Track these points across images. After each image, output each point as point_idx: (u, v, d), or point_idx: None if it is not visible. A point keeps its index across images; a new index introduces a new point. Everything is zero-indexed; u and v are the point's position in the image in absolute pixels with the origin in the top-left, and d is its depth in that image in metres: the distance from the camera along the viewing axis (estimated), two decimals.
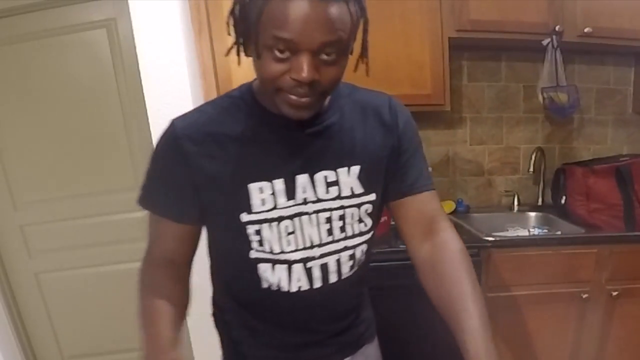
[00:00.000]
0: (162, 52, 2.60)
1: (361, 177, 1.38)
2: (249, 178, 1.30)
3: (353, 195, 1.38)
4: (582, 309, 2.95)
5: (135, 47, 2.63)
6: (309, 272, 1.39)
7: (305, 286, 1.41)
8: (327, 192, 1.36)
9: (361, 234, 1.44)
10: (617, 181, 3.06)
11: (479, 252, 2.82)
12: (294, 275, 1.39)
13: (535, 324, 2.98)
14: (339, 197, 1.37)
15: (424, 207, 1.45)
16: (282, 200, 1.32)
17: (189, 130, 1.30)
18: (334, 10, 1.05)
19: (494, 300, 2.89)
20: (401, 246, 2.41)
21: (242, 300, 1.53)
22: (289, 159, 1.32)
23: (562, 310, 2.96)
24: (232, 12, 1.18)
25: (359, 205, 1.40)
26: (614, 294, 2.90)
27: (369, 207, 1.42)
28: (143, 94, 2.65)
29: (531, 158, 3.56)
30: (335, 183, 1.36)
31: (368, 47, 1.28)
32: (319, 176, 1.34)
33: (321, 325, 1.54)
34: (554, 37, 3.09)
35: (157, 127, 2.64)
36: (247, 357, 1.58)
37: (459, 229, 2.87)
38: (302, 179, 1.33)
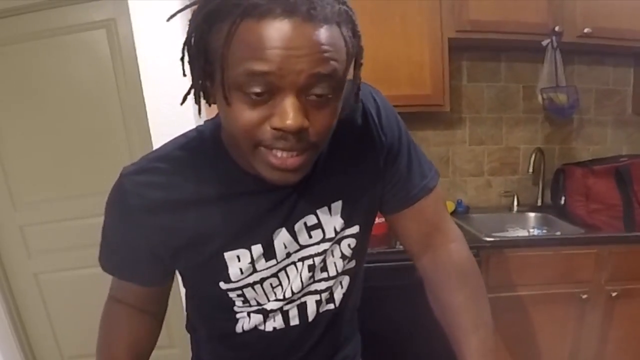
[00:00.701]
0: (162, 52, 2.60)
1: (343, 213, 1.18)
2: (223, 247, 1.11)
3: (337, 234, 1.19)
4: (581, 309, 2.95)
5: (135, 47, 2.63)
6: (285, 314, 1.25)
7: (280, 325, 1.26)
8: (310, 236, 1.17)
9: (343, 269, 1.25)
10: (616, 182, 3.06)
11: (478, 252, 2.80)
12: (269, 318, 1.25)
13: (535, 325, 2.98)
14: (323, 240, 1.18)
15: (419, 217, 1.27)
16: (261, 263, 1.14)
17: (142, 199, 1.07)
18: (324, 33, 0.81)
19: (494, 301, 2.85)
20: (399, 247, 2.41)
21: (215, 332, 1.37)
22: (265, 219, 1.12)
23: (561, 310, 2.95)
24: (186, 44, 0.96)
25: (339, 241, 1.21)
26: (614, 294, 2.90)
27: (351, 242, 1.23)
28: (143, 94, 2.65)
29: (531, 158, 3.56)
30: (318, 226, 1.17)
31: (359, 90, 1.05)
32: (299, 225, 1.15)
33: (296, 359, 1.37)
34: (553, 37, 3.09)
35: (157, 127, 2.64)
36: None
37: None
38: (281, 236, 1.14)
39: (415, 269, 1.35)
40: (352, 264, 1.28)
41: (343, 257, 1.23)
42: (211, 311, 1.33)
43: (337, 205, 1.17)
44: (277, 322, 1.26)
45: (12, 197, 3.41)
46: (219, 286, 1.16)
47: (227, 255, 1.11)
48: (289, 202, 1.12)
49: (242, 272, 1.13)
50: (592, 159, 3.51)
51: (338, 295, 1.29)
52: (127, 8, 2.62)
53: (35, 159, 3.34)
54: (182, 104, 1.04)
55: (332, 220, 1.17)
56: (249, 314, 1.24)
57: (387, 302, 2.24)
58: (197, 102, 0.99)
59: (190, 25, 0.92)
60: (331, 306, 1.30)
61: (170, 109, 2.56)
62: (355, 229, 1.21)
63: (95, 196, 3.33)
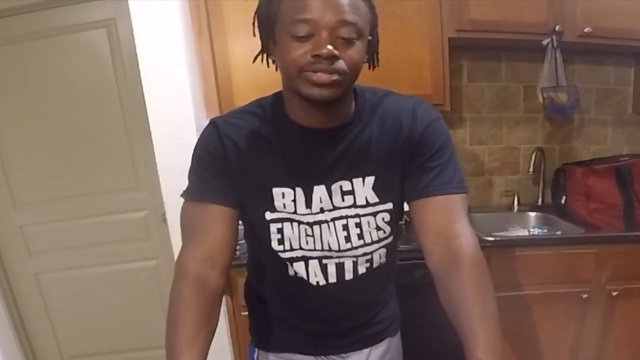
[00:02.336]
0: (162, 52, 2.60)
1: (376, 188, 1.41)
2: (273, 183, 1.38)
3: (368, 205, 1.41)
4: (582, 309, 2.95)
5: (135, 47, 2.63)
6: (324, 268, 1.46)
7: (321, 281, 1.48)
8: (343, 200, 1.40)
9: (379, 240, 1.47)
10: (617, 181, 3.06)
11: None
12: (311, 269, 1.47)
13: (536, 324, 2.98)
14: (354, 206, 1.41)
15: (439, 209, 1.39)
16: (301, 207, 1.39)
17: (229, 130, 1.38)
18: None
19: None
20: (402, 246, 2.41)
21: (272, 285, 1.61)
22: (309, 170, 1.38)
23: (562, 310, 2.95)
24: (257, 12, 1.28)
25: (374, 214, 1.43)
26: (614, 294, 2.90)
27: (385, 216, 1.44)
28: (143, 93, 2.64)
29: (531, 158, 3.55)
30: (351, 192, 1.40)
31: (378, 44, 1.37)
32: (335, 187, 1.39)
33: (339, 319, 1.60)
34: (553, 37, 3.09)
35: (157, 127, 2.63)
36: (273, 335, 1.65)
37: None
38: (319, 190, 1.39)
39: (419, 268, 1.45)
40: (390, 239, 1.51)
41: (378, 228, 1.45)
42: (263, 257, 1.55)
43: (370, 180, 1.40)
44: (318, 276, 1.48)
45: (12, 197, 3.42)
46: (265, 217, 1.41)
47: (275, 190, 1.39)
48: (331, 164, 1.38)
49: (284, 207, 1.39)
50: (593, 159, 3.52)
51: (376, 264, 1.51)
52: (127, 8, 2.61)
53: (36, 159, 3.35)
54: (253, 61, 1.37)
55: (364, 190, 1.41)
56: (291, 262, 1.46)
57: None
58: (268, 56, 1.34)
59: (257, 11, 1.28)
60: (368, 271, 1.51)
61: (170, 109, 2.55)
62: (388, 206, 1.44)
63: (95, 196, 3.38)
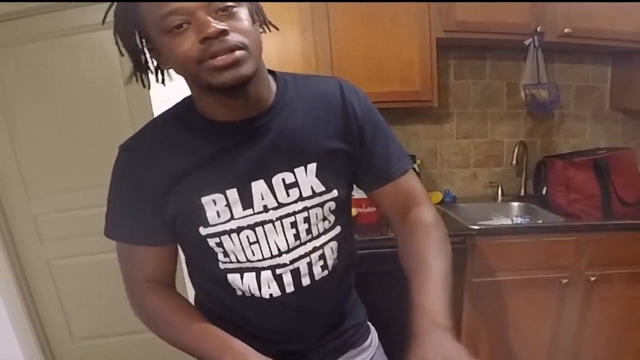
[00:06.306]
0: None
1: (319, 175, 1.26)
2: (201, 192, 1.19)
3: (315, 195, 1.26)
4: (562, 293, 2.96)
5: None
6: (278, 278, 1.28)
7: (276, 292, 1.29)
8: (288, 195, 1.24)
9: (325, 231, 1.32)
10: (594, 173, 3.06)
11: (464, 240, 2.83)
12: (263, 282, 1.28)
13: (518, 308, 2.99)
14: (300, 199, 1.25)
15: (397, 190, 1.37)
16: (238, 210, 1.21)
17: (132, 153, 1.23)
18: None
19: (479, 286, 2.90)
20: (391, 234, 2.41)
21: (221, 305, 1.39)
22: (240, 166, 1.20)
23: (543, 294, 2.96)
24: (116, 31, 1.11)
25: (321, 205, 1.28)
26: (592, 279, 2.91)
27: (332, 205, 1.30)
28: (148, 90, 2.64)
29: (514, 151, 3.55)
30: (295, 184, 1.24)
31: (260, 7, 1.19)
32: (276, 180, 1.22)
33: (300, 332, 1.41)
34: (535, 37, 3.09)
35: None
36: None
37: (445, 218, 2.89)
38: (258, 186, 1.21)
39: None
40: (337, 229, 1.36)
41: (324, 219, 1.30)
42: (208, 278, 1.37)
43: (312, 167, 1.25)
44: (272, 288, 1.29)
45: (25, 188, 3.42)
46: (200, 233, 1.21)
47: (204, 199, 1.18)
48: (263, 154, 1.20)
49: (218, 216, 1.20)
50: (572, 152, 3.51)
51: (330, 261, 1.35)
52: None
53: (48, 153, 3.36)
54: (126, 84, 1.23)
55: (308, 180, 1.25)
56: (241, 274, 1.28)
57: (378, 287, 2.24)
58: (160, 69, 1.19)
59: (115, 29, 1.11)
60: (325, 273, 1.34)
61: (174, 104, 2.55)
62: (334, 194, 1.28)
63: (104, 187, 3.36)
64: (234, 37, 1.01)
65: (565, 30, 3.04)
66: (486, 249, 2.87)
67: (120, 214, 1.28)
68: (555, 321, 3.03)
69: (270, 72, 1.29)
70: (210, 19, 0.99)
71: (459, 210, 3.44)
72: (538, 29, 3.05)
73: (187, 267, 1.44)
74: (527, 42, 3.14)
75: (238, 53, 1.02)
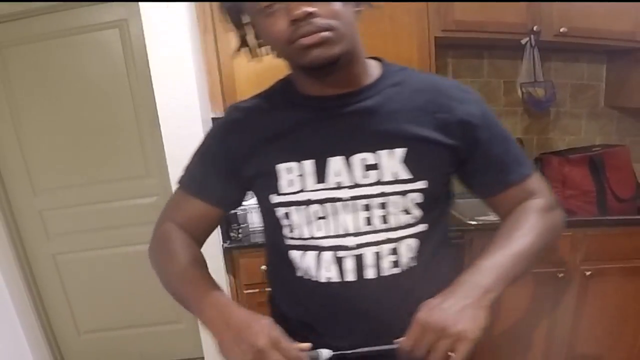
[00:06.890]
0: (170, 50, 2.61)
1: (408, 161, 1.18)
2: (278, 158, 1.21)
3: (396, 181, 1.18)
4: (558, 287, 2.97)
5: (145, 46, 2.64)
6: (339, 262, 1.21)
7: (335, 277, 1.22)
8: (365, 176, 1.18)
9: (407, 225, 1.21)
10: (590, 170, 3.07)
11: (462, 235, 2.86)
12: (323, 264, 1.22)
13: (515, 301, 3.01)
14: (379, 183, 1.18)
15: (517, 195, 1.31)
16: (310, 182, 1.20)
17: (236, 114, 1.32)
18: None
19: None
20: None
21: (284, 287, 1.39)
22: (322, 140, 1.20)
23: (539, 288, 2.97)
24: (221, 10, 1.20)
25: (403, 193, 1.18)
26: (588, 274, 2.92)
27: (417, 197, 1.20)
28: (152, 88, 2.66)
29: None
30: (375, 167, 1.18)
31: None
32: (356, 159, 1.18)
33: (356, 331, 1.25)
34: (532, 36, 3.10)
35: (166, 120, 2.65)
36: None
37: None
38: (335, 162, 1.18)
39: None
40: (422, 226, 1.24)
41: (406, 211, 1.21)
42: (274, 254, 1.40)
43: (400, 152, 1.18)
44: (331, 272, 1.22)
45: (32, 184, 3.45)
46: (271, 200, 1.24)
47: (280, 166, 1.22)
48: (348, 131, 1.21)
49: (290, 185, 1.21)
50: (568, 149, 3.52)
51: (404, 259, 1.22)
52: (137, 9, 2.62)
53: (54, 149, 3.38)
54: (234, 55, 1.30)
55: (391, 164, 1.18)
56: (304, 252, 1.26)
57: None
58: (245, 45, 1.26)
59: (221, 5, 1.20)
60: (395, 270, 1.22)
61: (178, 102, 2.56)
62: (422, 184, 1.19)
63: (109, 183, 3.41)
64: (321, 20, 1.04)
65: (561, 30, 3.05)
66: (484, 244, 2.77)
67: (196, 164, 1.37)
68: (552, 315, 3.04)
69: (377, 59, 1.34)
70: (297, 2, 1.02)
71: (457, 205, 3.42)
72: (534, 29, 3.06)
73: (265, 240, 1.47)
74: (523, 41, 3.15)
75: (324, 34, 1.05)
